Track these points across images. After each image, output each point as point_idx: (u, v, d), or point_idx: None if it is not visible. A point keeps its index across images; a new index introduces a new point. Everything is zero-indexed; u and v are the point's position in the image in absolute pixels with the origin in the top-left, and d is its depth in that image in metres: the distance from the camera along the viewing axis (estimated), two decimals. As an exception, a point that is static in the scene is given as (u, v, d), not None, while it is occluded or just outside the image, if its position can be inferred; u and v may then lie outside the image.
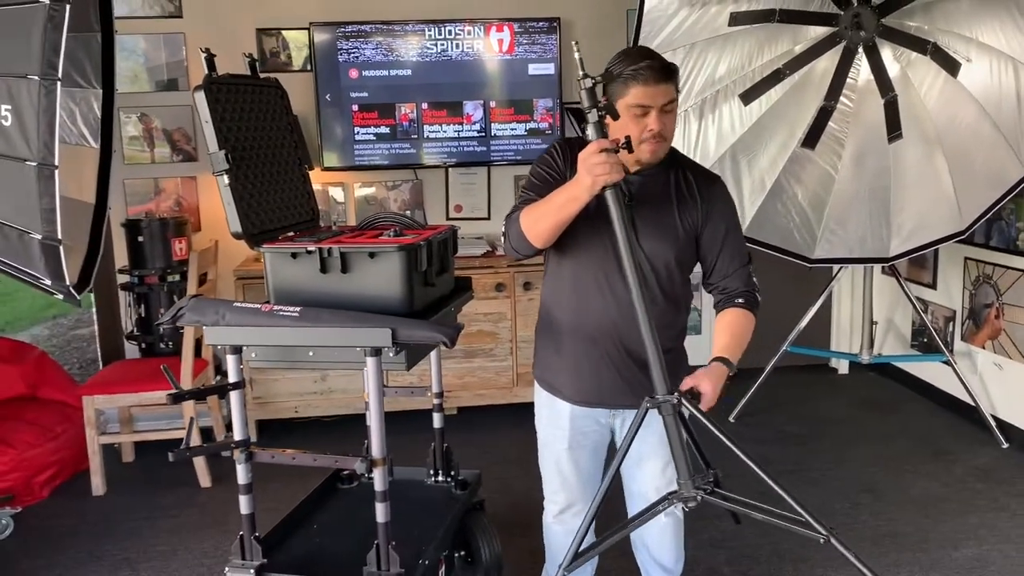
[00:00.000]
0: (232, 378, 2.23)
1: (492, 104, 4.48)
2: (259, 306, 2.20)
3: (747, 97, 3.87)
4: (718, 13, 3.76)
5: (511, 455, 3.99)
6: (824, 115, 3.91)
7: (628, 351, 2.16)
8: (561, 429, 2.30)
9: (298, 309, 2.17)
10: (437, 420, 2.84)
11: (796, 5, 3.78)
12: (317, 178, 4.50)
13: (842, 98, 3.90)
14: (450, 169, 4.64)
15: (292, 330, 2.16)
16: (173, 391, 2.17)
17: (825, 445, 3.99)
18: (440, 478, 2.87)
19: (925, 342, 4.53)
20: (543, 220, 2.00)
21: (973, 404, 4.05)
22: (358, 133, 4.41)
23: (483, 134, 4.50)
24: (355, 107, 4.38)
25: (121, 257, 4.25)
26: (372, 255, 2.27)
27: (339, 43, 4.31)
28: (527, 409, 4.76)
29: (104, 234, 3.23)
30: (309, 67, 4.41)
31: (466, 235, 4.62)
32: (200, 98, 2.34)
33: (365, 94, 4.38)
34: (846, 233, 3.92)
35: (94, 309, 4.59)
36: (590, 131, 1.87)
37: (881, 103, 3.81)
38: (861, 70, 3.88)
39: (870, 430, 4.19)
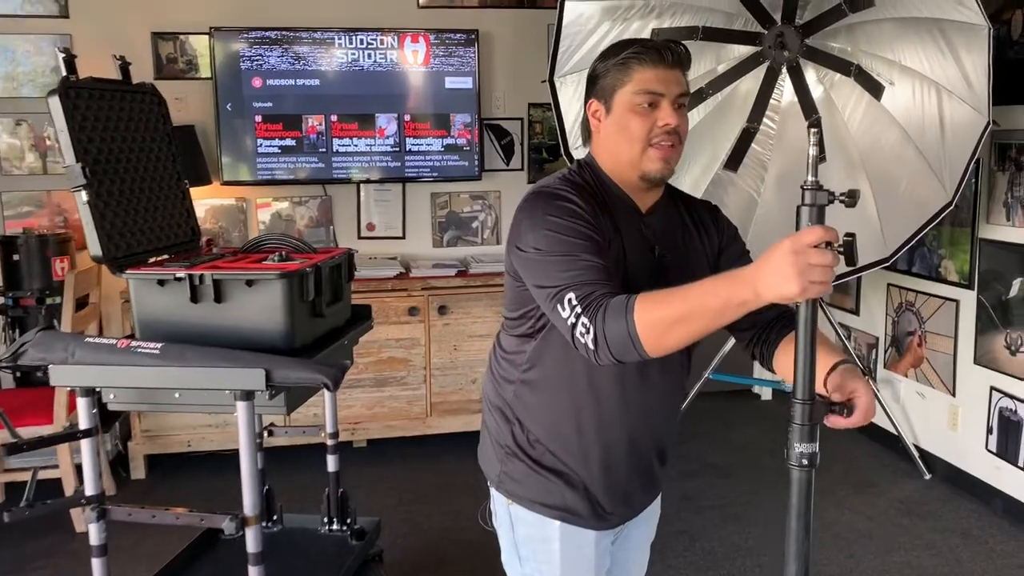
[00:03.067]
0: (83, 424, 1.96)
1: (407, 118, 4.26)
2: (114, 342, 1.93)
3: (669, 116, 3.73)
4: (640, 29, 3.61)
5: (423, 491, 3.75)
6: (747, 137, 3.79)
7: (660, 445, 1.68)
8: (587, 562, 1.63)
9: (159, 345, 1.91)
10: (331, 463, 2.59)
11: (719, 23, 3.67)
12: (218, 193, 4.22)
13: (765, 119, 3.79)
14: (362, 185, 4.40)
15: (152, 370, 1.90)
16: (9, 442, 1.88)
17: (748, 476, 3.86)
18: (335, 527, 2.61)
19: (848, 369, 4.45)
20: (686, 326, 1.29)
21: (896, 434, 3.97)
22: (261, 145, 4.13)
23: (397, 149, 4.27)
24: (258, 118, 4.10)
25: (-4, 277, 3.88)
26: (250, 283, 2.02)
27: (242, 50, 4.03)
28: (441, 441, 4.52)
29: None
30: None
31: (378, 255, 4.38)
32: (55, 104, 2.07)
33: (269, 104, 4.11)
34: (769, 258, 3.80)
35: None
36: (806, 214, 1.23)
37: (805, 125, 3.71)
38: (785, 91, 3.77)
39: (794, 460, 4.07)
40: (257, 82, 4.08)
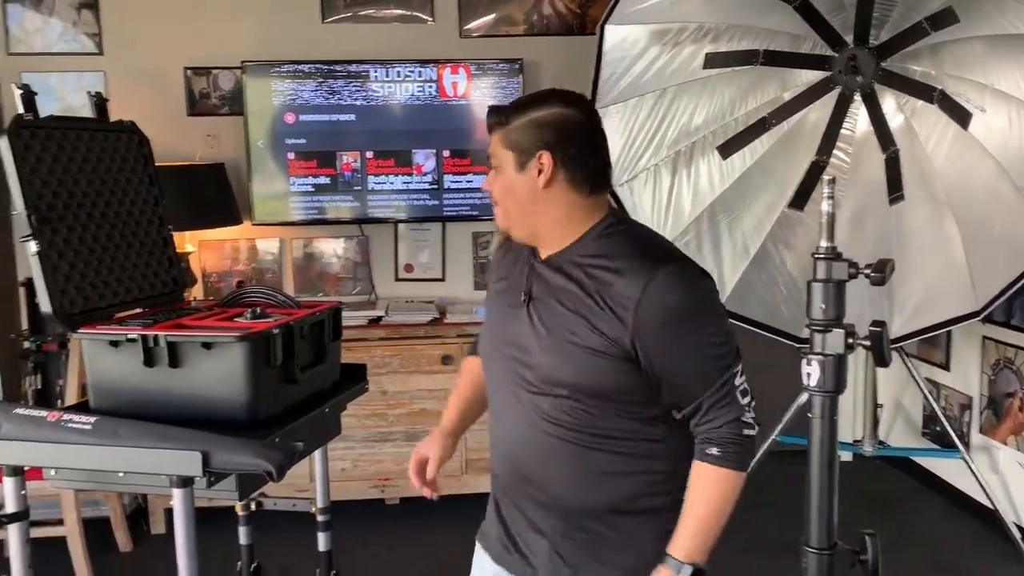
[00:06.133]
0: (10, 507, 1.72)
1: (446, 154, 4.00)
2: (45, 414, 1.69)
3: (726, 150, 3.37)
4: (693, 54, 3.29)
5: (453, 560, 3.42)
6: (816, 171, 3.40)
7: (534, 490, 1.66)
8: None
9: (92, 420, 1.66)
10: (322, 542, 2.30)
11: (784, 46, 3.31)
12: (250, 233, 4.04)
13: (837, 152, 3.40)
14: (400, 225, 4.16)
15: (83, 448, 1.65)
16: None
17: (818, 555, 3.40)
18: (326, 616, 2.32)
19: (938, 430, 3.95)
20: None
21: (992, 508, 3.45)
22: (294, 184, 3.93)
23: (435, 186, 4.02)
24: (291, 155, 3.92)
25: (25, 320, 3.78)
26: (207, 346, 1.77)
27: (274, 84, 3.86)
28: (478, 501, 4.15)
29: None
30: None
31: (415, 298, 4.13)
32: (4, 146, 1.86)
33: (303, 141, 3.91)
34: (841, 308, 3.37)
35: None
36: (819, 293, 1.43)
37: (882, 159, 3.30)
38: (859, 121, 3.38)
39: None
40: (290, 117, 3.90)
